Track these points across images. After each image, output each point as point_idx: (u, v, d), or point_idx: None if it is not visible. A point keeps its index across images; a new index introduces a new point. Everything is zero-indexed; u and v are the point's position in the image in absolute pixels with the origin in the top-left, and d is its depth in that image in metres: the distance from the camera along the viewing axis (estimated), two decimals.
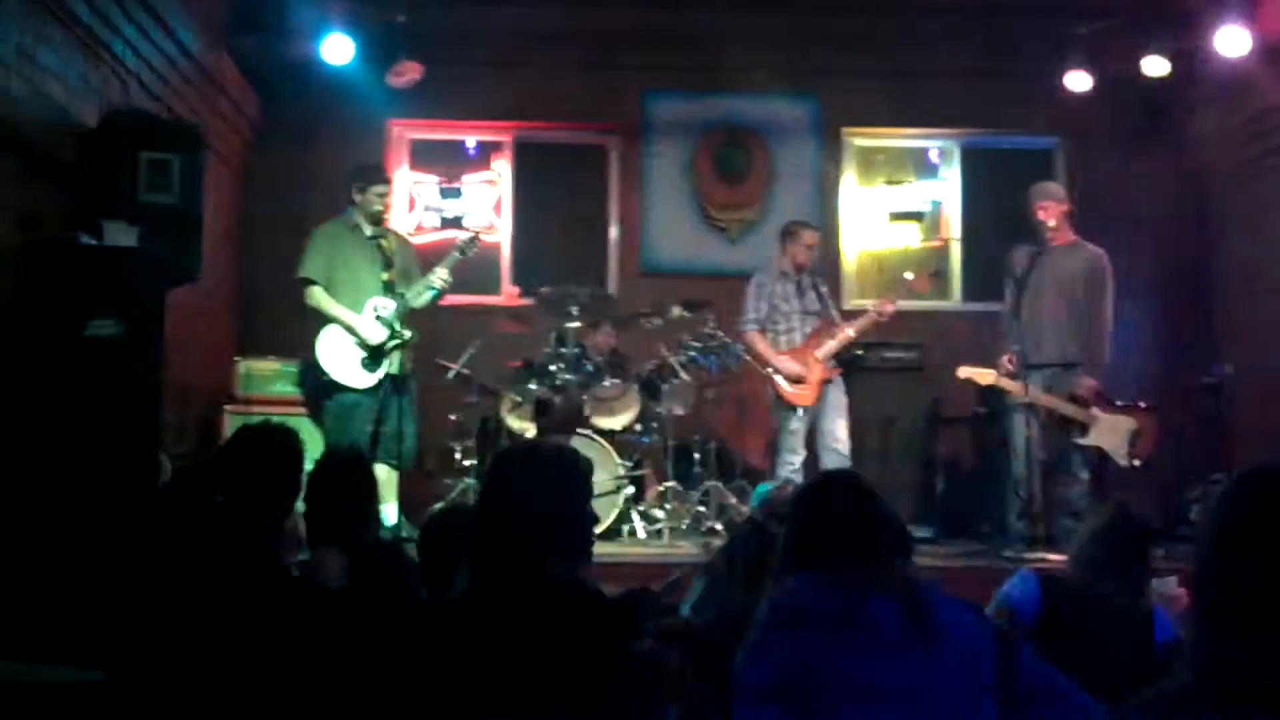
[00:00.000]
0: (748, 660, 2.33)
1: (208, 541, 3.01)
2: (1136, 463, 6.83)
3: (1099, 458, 6.87)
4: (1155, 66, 8.01)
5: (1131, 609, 3.64)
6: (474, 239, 7.13)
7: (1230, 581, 1.60)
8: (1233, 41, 7.40)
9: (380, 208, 6.91)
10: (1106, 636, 3.54)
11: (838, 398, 7.21)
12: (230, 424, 6.98)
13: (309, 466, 3.59)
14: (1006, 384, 6.75)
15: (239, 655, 2.72)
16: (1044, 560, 5.83)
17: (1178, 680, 1.62)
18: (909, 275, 7.20)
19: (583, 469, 2.72)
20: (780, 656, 2.29)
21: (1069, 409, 6.76)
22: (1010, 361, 6.76)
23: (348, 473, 3.65)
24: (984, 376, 6.82)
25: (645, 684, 2.58)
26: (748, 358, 7.43)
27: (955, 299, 9.29)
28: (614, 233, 9.31)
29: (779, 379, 7.13)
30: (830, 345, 7.19)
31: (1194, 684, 1.59)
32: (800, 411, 7.08)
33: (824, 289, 7.51)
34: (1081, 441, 6.82)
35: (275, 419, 5.54)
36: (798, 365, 7.11)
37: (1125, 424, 6.82)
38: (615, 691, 2.39)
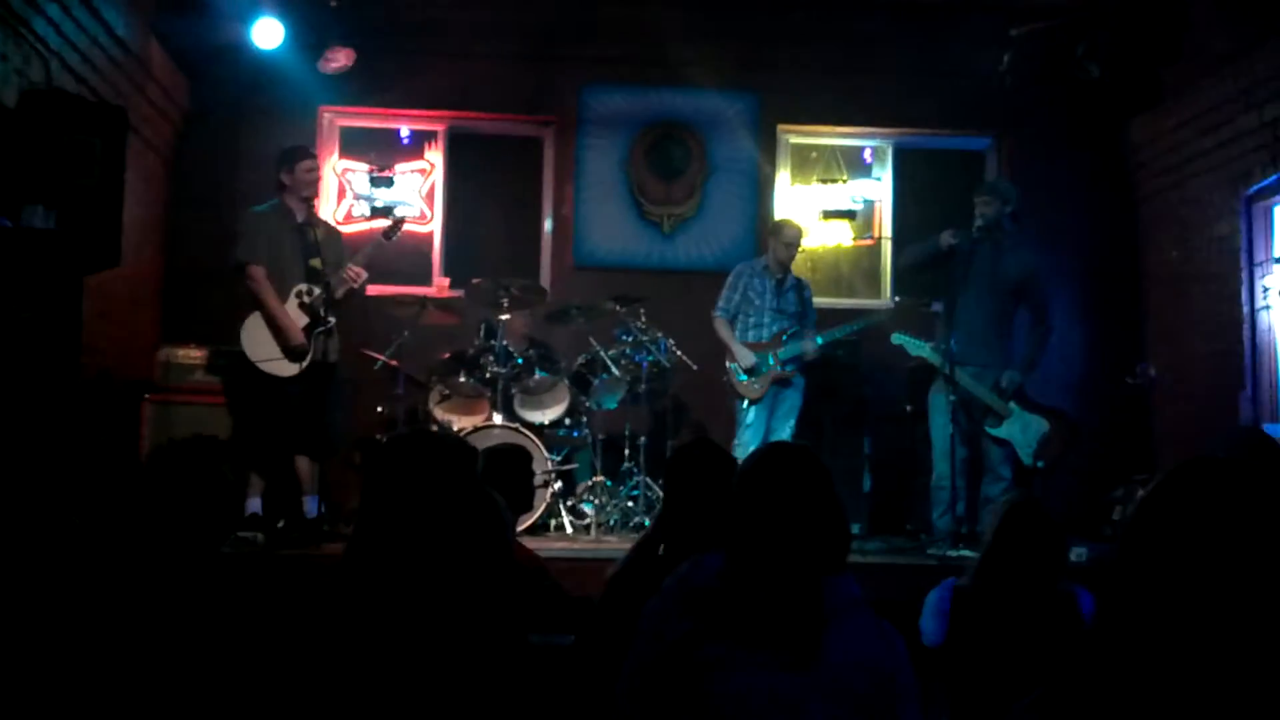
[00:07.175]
0: (643, 621, 2.28)
1: None
2: (1040, 464, 6.87)
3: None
4: (1088, 69, 8.10)
5: (1050, 594, 3.65)
6: (397, 224, 7.03)
7: (1144, 573, 1.57)
8: None
9: (310, 185, 6.77)
10: (1030, 627, 3.55)
11: (793, 401, 7.23)
12: (151, 414, 6.84)
13: None
14: (936, 360, 6.72)
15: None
16: (964, 559, 5.85)
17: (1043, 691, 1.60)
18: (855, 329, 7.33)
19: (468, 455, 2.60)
20: (666, 628, 2.24)
21: (989, 397, 6.79)
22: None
23: None
24: (917, 347, 6.81)
25: None
26: (678, 352, 7.42)
27: (886, 297, 9.33)
28: (547, 225, 9.24)
29: (733, 368, 7.13)
30: (793, 349, 7.20)
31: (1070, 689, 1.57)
32: (750, 403, 7.10)
33: (808, 294, 7.52)
34: (991, 431, 6.85)
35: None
36: (753, 358, 7.10)
37: (1038, 424, 6.86)
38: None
